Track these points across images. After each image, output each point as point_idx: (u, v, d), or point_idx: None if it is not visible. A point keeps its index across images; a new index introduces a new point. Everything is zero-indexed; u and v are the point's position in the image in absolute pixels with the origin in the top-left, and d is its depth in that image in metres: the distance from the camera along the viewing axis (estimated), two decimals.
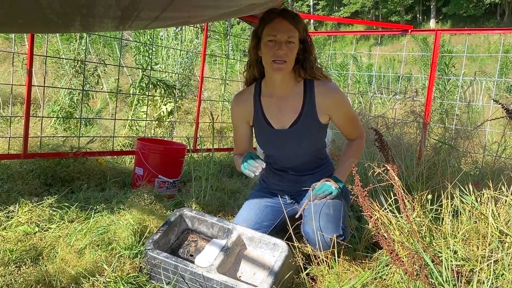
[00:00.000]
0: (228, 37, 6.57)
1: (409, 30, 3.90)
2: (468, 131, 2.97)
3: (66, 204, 2.54)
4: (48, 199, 2.49)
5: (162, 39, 5.78)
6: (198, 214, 2.25)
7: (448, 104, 5.18)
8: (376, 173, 2.07)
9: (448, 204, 2.26)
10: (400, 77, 5.60)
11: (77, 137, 3.45)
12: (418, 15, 47.06)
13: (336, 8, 50.57)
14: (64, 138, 3.57)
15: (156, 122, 4.90)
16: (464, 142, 2.76)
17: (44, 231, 2.30)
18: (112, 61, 7.31)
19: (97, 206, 2.54)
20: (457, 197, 2.28)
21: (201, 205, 2.76)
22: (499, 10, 41.14)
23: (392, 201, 2.31)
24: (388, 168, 2.04)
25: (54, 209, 2.48)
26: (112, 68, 6.56)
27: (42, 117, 3.22)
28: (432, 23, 43.75)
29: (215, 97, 6.61)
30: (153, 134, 4.83)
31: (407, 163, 2.79)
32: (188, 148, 3.27)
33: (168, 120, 4.98)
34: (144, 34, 4.97)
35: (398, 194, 2.02)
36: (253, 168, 2.05)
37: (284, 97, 2.17)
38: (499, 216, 2.19)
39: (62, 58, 4.57)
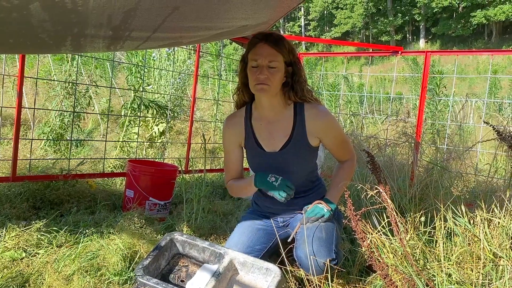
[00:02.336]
0: (221, 57, 6.61)
1: (399, 52, 3.94)
2: (460, 152, 2.97)
3: (55, 228, 2.49)
4: (36, 223, 2.44)
5: (154, 60, 5.79)
6: (189, 238, 2.21)
7: (440, 124, 5.22)
8: (369, 195, 2.06)
9: (441, 226, 2.25)
10: (391, 98, 5.64)
11: (67, 159, 3.41)
12: (407, 35, 47.86)
13: (327, 28, 51.28)
14: (54, 160, 3.52)
15: (148, 142, 4.86)
16: (456, 163, 2.77)
17: (31, 256, 2.25)
18: (104, 81, 7.30)
19: (86, 230, 2.50)
20: (450, 219, 2.27)
21: (193, 229, 2.73)
22: (487, 30, 41.99)
23: (385, 223, 2.29)
24: (381, 190, 2.03)
25: (43, 233, 2.43)
26: (104, 89, 6.55)
27: (32, 139, 3.18)
28: (421, 43, 44.50)
29: (208, 117, 6.60)
30: (145, 154, 4.79)
31: (400, 184, 2.79)
32: (180, 169, 3.24)
33: (160, 140, 4.95)
34: (136, 55, 4.97)
35: (391, 217, 2.01)
36: (290, 195, 2.02)
37: (274, 121, 2.17)
38: (492, 238, 2.18)
39: (53, 80, 4.54)
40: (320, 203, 2.14)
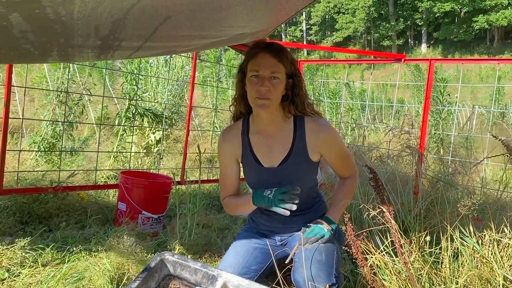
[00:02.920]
0: (219, 63, 6.49)
1: (403, 59, 3.83)
2: (466, 165, 2.85)
3: (41, 245, 2.37)
4: (20, 240, 2.32)
5: (151, 66, 5.66)
6: (180, 258, 2.08)
7: (444, 134, 5.09)
8: (371, 215, 1.95)
9: (448, 247, 2.13)
10: (394, 106, 5.51)
11: (57, 170, 3.28)
12: (409, 40, 47.82)
13: (329, 33, 51.25)
14: (44, 172, 3.40)
15: (144, 152, 4.73)
16: (463, 177, 2.64)
17: (14, 276, 2.13)
18: (102, 87, 7.18)
19: (74, 248, 2.38)
20: (457, 239, 2.15)
21: (186, 246, 2.60)
22: (489, 35, 41.93)
23: (388, 243, 2.18)
24: (384, 210, 1.91)
25: (27, 251, 2.31)
26: (101, 95, 6.43)
27: (20, 150, 3.06)
28: (423, 48, 44.46)
29: (206, 124, 6.47)
30: (140, 163, 4.67)
31: (403, 199, 2.66)
32: (175, 180, 3.12)
33: (157, 149, 4.82)
34: (132, 62, 4.84)
35: (395, 238, 1.89)
36: (290, 205, 1.86)
37: (273, 135, 2.05)
38: (502, 259, 2.06)
39: (42, 89, 4.42)
40: (320, 222, 2.02)
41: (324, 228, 1.99)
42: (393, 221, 1.88)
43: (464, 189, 2.59)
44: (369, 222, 2.33)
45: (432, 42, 45.20)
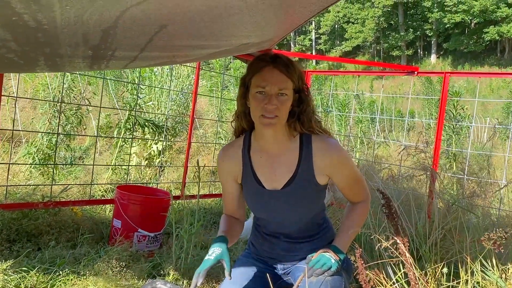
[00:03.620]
0: (224, 73, 6.33)
1: (416, 72, 3.65)
2: (485, 186, 2.66)
3: (25, 268, 2.20)
4: (1, 263, 2.15)
5: (156, 75, 5.51)
6: (173, 287, 1.91)
7: (456, 150, 4.88)
8: (383, 246, 1.77)
9: (468, 281, 1.94)
10: (406, 121, 5.32)
11: (49, 185, 3.12)
12: (419, 50, 47.58)
13: (338, 42, 51.20)
14: (35, 186, 3.23)
15: (144, 165, 4.56)
16: (483, 200, 2.45)
17: None
18: (103, 96, 7.04)
19: (61, 271, 2.21)
20: (477, 272, 1.96)
21: (182, 270, 2.42)
22: (500, 46, 41.59)
23: (401, 274, 1.99)
24: (398, 241, 1.73)
25: (10, 274, 2.14)
26: (104, 104, 6.27)
27: (9, 163, 2.91)
28: (433, 59, 44.22)
29: (210, 134, 6.31)
30: (141, 176, 4.49)
31: (418, 224, 2.47)
32: (173, 195, 2.95)
33: (158, 161, 4.66)
34: (134, 71, 4.69)
35: (411, 273, 1.71)
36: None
37: (277, 154, 1.87)
38: None
39: (32, 99, 4.28)
40: (327, 252, 1.83)
41: (331, 259, 1.80)
42: (408, 254, 1.70)
43: (485, 216, 2.39)
44: (380, 249, 2.14)
45: (441, 52, 44.93)
